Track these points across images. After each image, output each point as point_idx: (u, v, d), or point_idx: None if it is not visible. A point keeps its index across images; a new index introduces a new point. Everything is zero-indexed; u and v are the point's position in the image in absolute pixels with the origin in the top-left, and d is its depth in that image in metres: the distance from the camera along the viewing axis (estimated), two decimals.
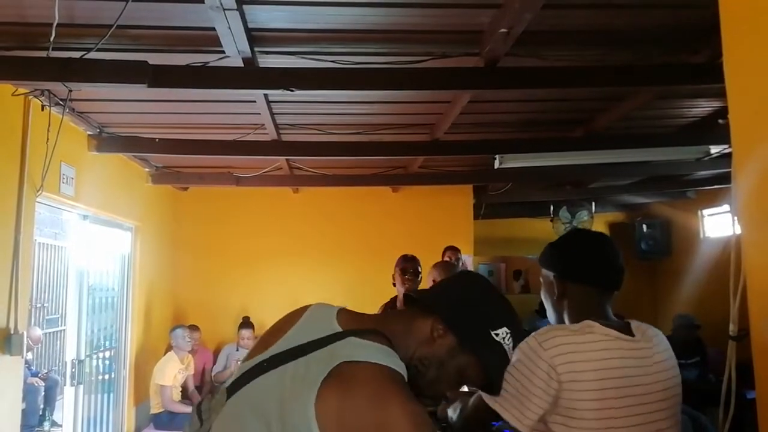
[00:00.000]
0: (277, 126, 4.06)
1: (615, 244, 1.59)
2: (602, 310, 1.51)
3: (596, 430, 1.36)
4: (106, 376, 4.82)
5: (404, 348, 1.13)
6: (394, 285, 3.48)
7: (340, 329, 1.11)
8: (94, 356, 4.53)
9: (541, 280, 1.63)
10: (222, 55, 2.71)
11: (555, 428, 1.38)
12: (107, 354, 4.84)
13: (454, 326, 1.15)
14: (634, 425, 1.38)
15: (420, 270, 3.45)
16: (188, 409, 5.15)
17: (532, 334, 1.44)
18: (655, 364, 1.44)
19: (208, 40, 2.60)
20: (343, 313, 1.18)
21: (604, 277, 1.53)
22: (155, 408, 5.19)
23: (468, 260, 5.95)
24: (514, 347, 1.22)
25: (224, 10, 2.21)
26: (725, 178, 5.30)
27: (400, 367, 1.07)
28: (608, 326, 1.43)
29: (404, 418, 0.97)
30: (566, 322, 1.54)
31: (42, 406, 5.85)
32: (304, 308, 1.21)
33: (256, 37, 2.66)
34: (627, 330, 1.46)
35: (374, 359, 1.04)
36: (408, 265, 3.43)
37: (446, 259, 4.86)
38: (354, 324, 1.14)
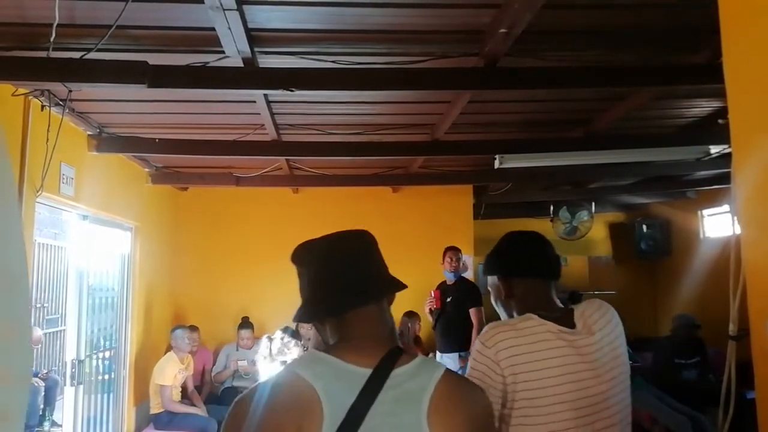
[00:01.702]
0: (277, 126, 4.05)
1: (546, 238, 1.67)
2: (547, 301, 1.57)
3: (539, 425, 1.39)
4: (106, 376, 4.82)
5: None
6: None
7: (370, 370, 1.04)
8: (94, 356, 4.53)
9: (489, 289, 1.70)
10: (222, 56, 2.71)
11: (504, 419, 1.43)
12: (107, 354, 4.83)
13: None
14: (579, 425, 1.40)
15: None
16: (188, 409, 5.16)
17: (478, 337, 1.49)
18: (596, 360, 1.45)
19: (208, 40, 2.60)
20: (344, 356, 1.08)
21: (542, 267, 1.61)
22: (155, 408, 5.19)
23: (468, 260, 5.95)
24: None
25: (224, 10, 2.21)
26: (725, 178, 5.29)
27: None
28: (548, 318, 1.48)
29: None
30: None
31: (42, 406, 5.83)
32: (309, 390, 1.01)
33: (255, 37, 2.66)
34: (569, 320, 1.50)
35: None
36: None
37: (447, 259, 4.85)
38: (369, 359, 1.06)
